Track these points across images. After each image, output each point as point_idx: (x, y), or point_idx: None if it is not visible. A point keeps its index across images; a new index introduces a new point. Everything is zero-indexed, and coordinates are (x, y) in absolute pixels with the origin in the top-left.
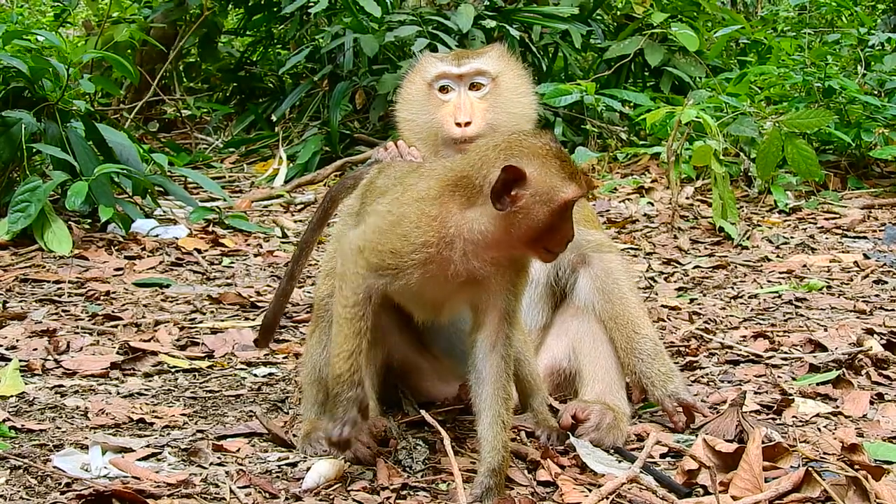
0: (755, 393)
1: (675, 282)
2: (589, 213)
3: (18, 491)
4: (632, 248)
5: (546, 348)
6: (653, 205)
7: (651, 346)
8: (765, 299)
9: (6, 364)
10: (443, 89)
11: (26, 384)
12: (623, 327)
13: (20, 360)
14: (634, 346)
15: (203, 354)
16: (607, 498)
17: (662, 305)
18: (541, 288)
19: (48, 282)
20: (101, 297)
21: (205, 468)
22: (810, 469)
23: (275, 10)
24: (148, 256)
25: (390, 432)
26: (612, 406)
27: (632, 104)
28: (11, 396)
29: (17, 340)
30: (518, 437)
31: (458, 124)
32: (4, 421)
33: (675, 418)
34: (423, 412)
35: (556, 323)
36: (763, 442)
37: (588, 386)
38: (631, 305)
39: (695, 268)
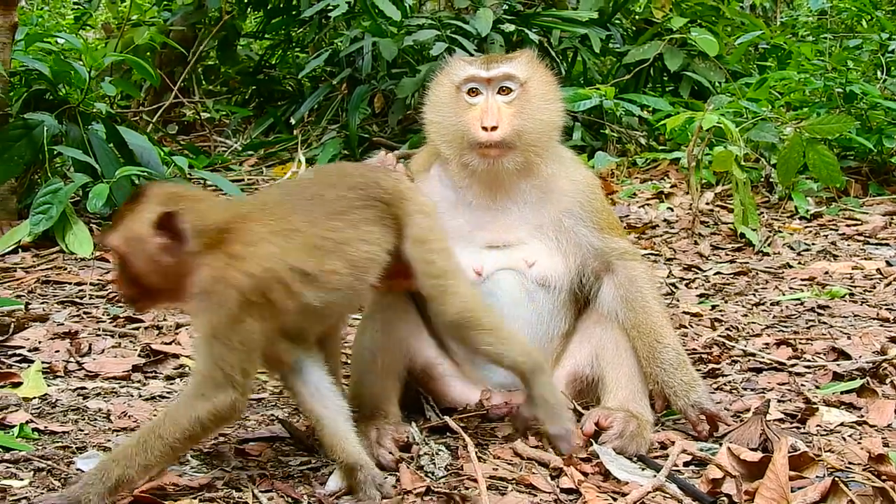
0: (778, 401)
1: (696, 288)
2: (613, 220)
3: (42, 492)
4: (652, 254)
5: (569, 355)
6: (672, 210)
7: (674, 355)
8: (787, 306)
9: (28, 366)
10: (471, 92)
11: (49, 386)
12: (646, 336)
13: (42, 362)
14: (657, 355)
15: None
16: None
17: (684, 312)
18: (563, 295)
19: (70, 283)
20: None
21: (227, 472)
22: (837, 479)
23: (294, 13)
24: None
25: (412, 438)
26: (635, 413)
27: (651, 109)
28: (34, 398)
29: (39, 342)
30: (541, 444)
31: (485, 128)
32: (27, 423)
33: (699, 427)
34: (446, 418)
35: (579, 330)
36: (788, 451)
37: (611, 393)
38: (654, 314)
39: (716, 274)
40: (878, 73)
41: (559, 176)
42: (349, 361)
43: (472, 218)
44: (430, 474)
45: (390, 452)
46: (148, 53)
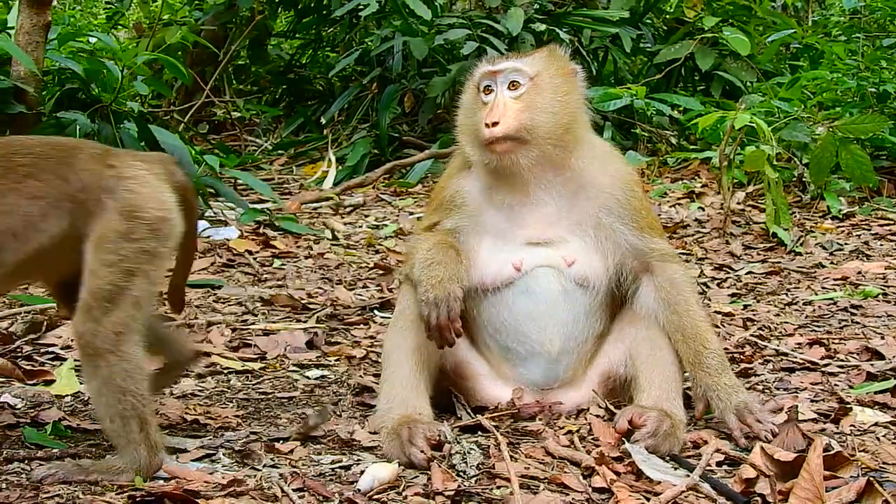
0: (811, 401)
1: (727, 287)
2: (653, 220)
3: (75, 490)
4: (683, 253)
5: (602, 354)
6: (703, 210)
7: (719, 360)
8: (819, 306)
9: (61, 364)
10: (486, 90)
11: (81, 384)
12: (691, 340)
13: (75, 360)
14: (702, 359)
15: (255, 356)
16: None
17: (716, 311)
18: (601, 296)
19: None
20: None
21: (258, 470)
22: (871, 479)
23: (324, 12)
24: (200, 257)
25: (444, 437)
26: (669, 413)
27: (682, 108)
28: (67, 396)
29: (72, 340)
30: (572, 443)
31: (487, 125)
32: (60, 420)
33: (737, 434)
34: (479, 416)
35: (614, 330)
36: (822, 451)
37: (645, 392)
38: (699, 318)
39: (748, 273)
40: None
41: (593, 169)
42: (380, 360)
43: (511, 215)
44: (461, 473)
45: (422, 451)
46: (179, 53)
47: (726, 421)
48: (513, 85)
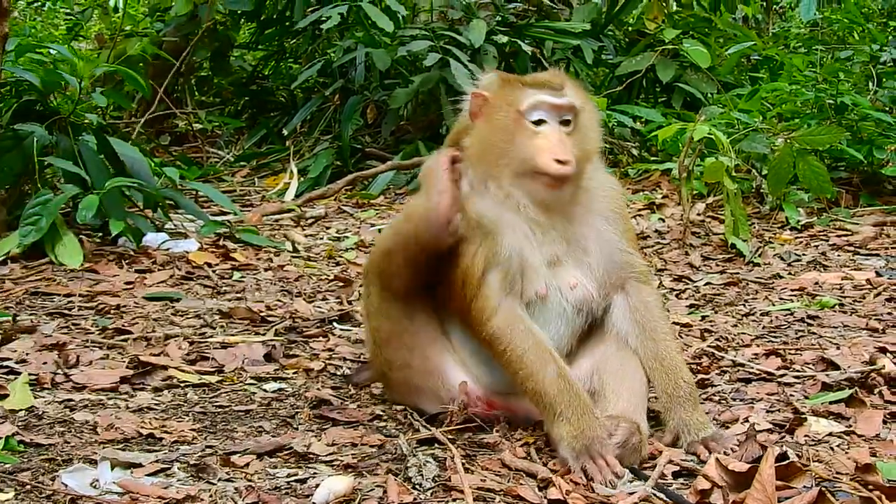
0: (767, 411)
1: (686, 299)
2: (633, 234)
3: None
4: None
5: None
6: (664, 221)
7: (694, 394)
8: (777, 317)
9: (16, 378)
10: (538, 122)
11: (35, 398)
12: (671, 372)
13: (30, 374)
14: (681, 393)
15: (213, 369)
16: None
17: (675, 323)
18: (586, 318)
19: (58, 295)
20: (112, 311)
21: (213, 484)
22: (823, 489)
23: (287, 24)
24: (158, 270)
25: (400, 449)
26: (639, 426)
27: (643, 120)
28: (21, 410)
29: (27, 354)
30: (529, 455)
31: (559, 161)
32: (13, 435)
33: (705, 458)
34: (433, 430)
35: (582, 346)
36: (776, 461)
37: (612, 403)
38: (674, 348)
39: (706, 284)
40: (870, 84)
41: (594, 186)
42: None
43: (528, 238)
44: (417, 486)
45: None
46: (140, 64)
47: (696, 451)
48: (565, 121)
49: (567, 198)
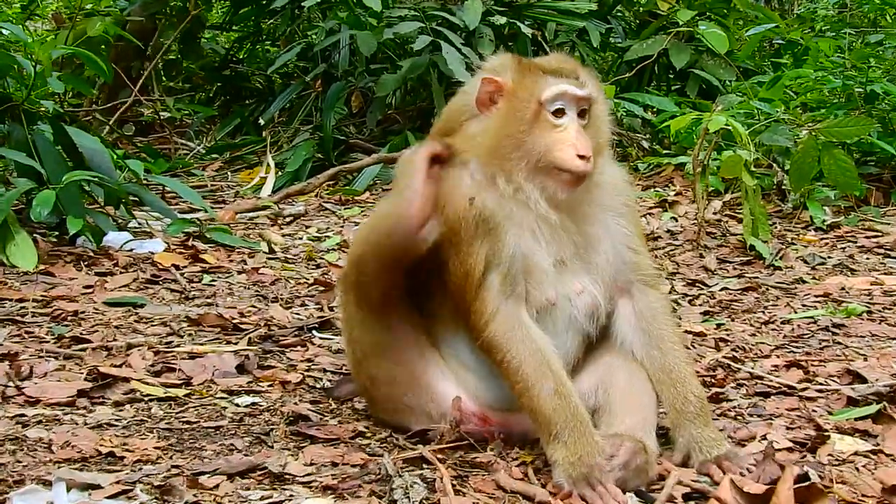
0: (787, 428)
1: (700, 305)
2: (642, 232)
3: None
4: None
5: (576, 381)
6: (676, 220)
7: (705, 410)
8: (799, 325)
9: None
10: (558, 113)
11: None
12: (679, 385)
13: None
14: (691, 408)
15: (180, 381)
16: None
17: (686, 331)
18: (596, 325)
19: (10, 300)
20: (69, 318)
21: None
22: None
23: (263, 3)
24: (121, 273)
25: (385, 469)
26: (645, 445)
27: (655, 110)
28: None
29: None
30: (526, 476)
31: (581, 157)
32: None
33: (719, 479)
34: (420, 448)
35: (589, 357)
36: (795, 482)
37: (618, 419)
38: (683, 359)
39: (722, 290)
40: None
41: (604, 180)
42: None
43: (537, 239)
44: None
45: None
46: (102, 47)
47: (709, 471)
48: (581, 114)
49: (581, 195)
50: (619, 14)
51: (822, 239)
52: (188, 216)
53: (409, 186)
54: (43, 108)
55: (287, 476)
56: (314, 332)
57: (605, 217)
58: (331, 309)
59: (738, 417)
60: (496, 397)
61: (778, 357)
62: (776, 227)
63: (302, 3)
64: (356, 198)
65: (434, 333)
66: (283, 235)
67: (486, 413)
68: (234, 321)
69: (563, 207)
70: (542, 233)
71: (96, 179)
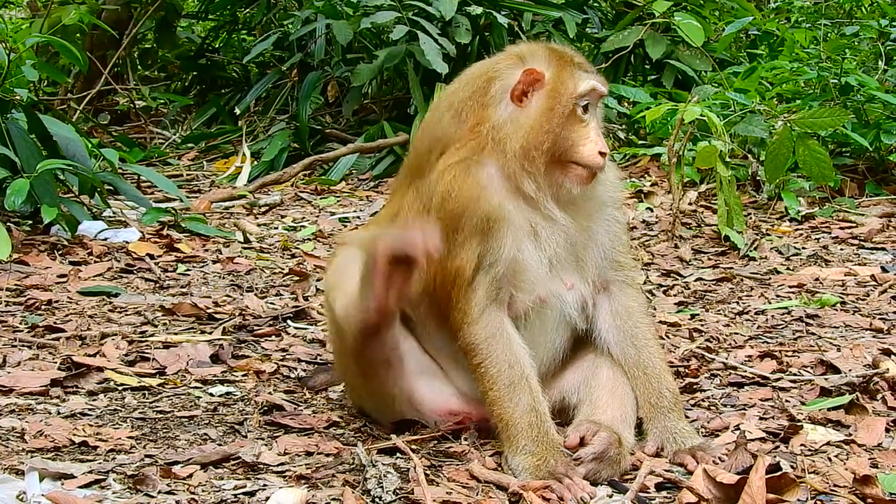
0: (760, 418)
1: (674, 295)
2: (626, 230)
3: None
4: None
5: (561, 377)
6: (652, 211)
7: (678, 404)
8: (773, 316)
9: None
10: (585, 109)
11: None
12: (654, 380)
13: None
14: (665, 402)
15: (154, 371)
16: None
17: (661, 321)
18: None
19: None
20: (43, 307)
21: (153, 497)
22: (819, 502)
23: None
24: (95, 262)
25: (359, 459)
26: (621, 437)
27: (630, 100)
28: None
29: None
30: (499, 466)
31: (602, 153)
32: None
33: (693, 468)
34: (394, 438)
35: (574, 353)
36: (768, 472)
37: (599, 410)
38: (658, 356)
39: (697, 280)
40: (878, 63)
41: (605, 171)
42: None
43: (535, 233)
44: (377, 499)
45: None
46: (77, 35)
47: (682, 461)
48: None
49: (589, 191)
50: (595, 4)
51: (796, 230)
52: (163, 205)
53: (371, 289)
54: (17, 97)
55: (261, 465)
56: (289, 321)
57: (602, 212)
58: (305, 299)
59: (712, 407)
60: (473, 386)
61: (752, 347)
62: (751, 218)
63: None
64: (332, 188)
65: (418, 327)
66: (259, 225)
67: (471, 404)
68: (209, 311)
69: (568, 205)
70: (542, 232)
71: (71, 168)
